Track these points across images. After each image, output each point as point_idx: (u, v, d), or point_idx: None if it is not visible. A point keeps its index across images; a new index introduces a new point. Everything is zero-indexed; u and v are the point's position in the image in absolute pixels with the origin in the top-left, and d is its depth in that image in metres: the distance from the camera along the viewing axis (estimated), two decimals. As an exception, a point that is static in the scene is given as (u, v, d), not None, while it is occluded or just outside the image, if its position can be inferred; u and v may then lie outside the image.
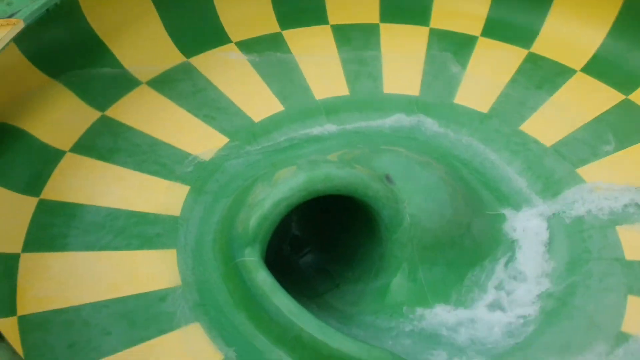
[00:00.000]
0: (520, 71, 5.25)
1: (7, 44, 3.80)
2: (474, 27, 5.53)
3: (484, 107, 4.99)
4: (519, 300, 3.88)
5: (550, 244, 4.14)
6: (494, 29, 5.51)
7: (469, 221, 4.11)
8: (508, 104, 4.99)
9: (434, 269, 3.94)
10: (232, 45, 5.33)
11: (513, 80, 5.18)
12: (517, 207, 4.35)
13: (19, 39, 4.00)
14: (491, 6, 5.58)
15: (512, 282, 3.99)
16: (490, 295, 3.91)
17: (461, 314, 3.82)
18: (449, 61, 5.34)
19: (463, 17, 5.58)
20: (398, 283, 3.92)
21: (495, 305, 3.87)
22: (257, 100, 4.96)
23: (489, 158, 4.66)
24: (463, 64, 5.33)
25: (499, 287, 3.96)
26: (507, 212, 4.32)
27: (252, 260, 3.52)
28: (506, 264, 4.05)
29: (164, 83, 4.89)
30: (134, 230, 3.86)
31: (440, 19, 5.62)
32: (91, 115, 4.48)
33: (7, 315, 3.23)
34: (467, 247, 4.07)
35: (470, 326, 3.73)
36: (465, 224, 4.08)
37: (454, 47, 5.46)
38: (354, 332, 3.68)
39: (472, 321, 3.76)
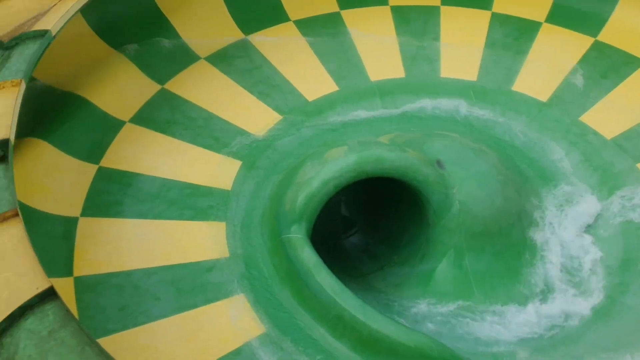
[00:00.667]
0: (584, 59, 5.07)
1: (74, 15, 3.93)
2: (539, 13, 5.35)
3: (543, 95, 4.86)
4: (567, 296, 3.80)
5: (603, 241, 4.02)
6: (560, 15, 5.32)
7: (519, 211, 4.04)
8: (569, 93, 4.83)
9: (480, 258, 3.91)
10: (290, 24, 5.34)
11: (576, 69, 5.01)
12: (572, 200, 4.24)
13: (86, 11, 4.13)
14: (559, -9, 5.39)
15: (561, 276, 3.91)
16: (538, 289, 3.85)
17: (506, 305, 3.78)
18: (510, 47, 5.21)
19: (527, 2, 5.40)
20: (443, 269, 3.90)
21: (541, 300, 3.80)
22: (311, 79, 4.98)
23: (545, 148, 4.55)
24: (524, 50, 5.18)
25: (546, 281, 3.88)
26: (561, 204, 4.23)
27: (298, 237, 3.57)
28: (555, 258, 3.96)
29: (222, 59, 4.97)
30: (186, 202, 3.97)
31: (503, 3, 5.46)
32: (151, 87, 4.61)
33: (64, 276, 3.37)
34: (515, 238, 4.00)
35: (513, 318, 3.69)
36: (515, 214, 4.00)
37: (515, 32, 5.31)
38: (396, 315, 3.69)
39: (516, 313, 3.71)
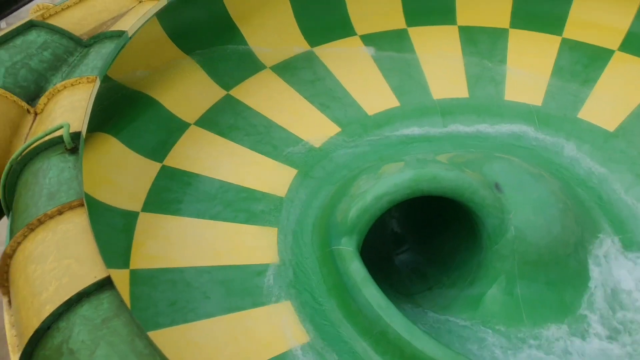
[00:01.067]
0: (658, 91, 4.88)
1: (150, 18, 4.10)
2: (612, 40, 5.18)
3: (610, 125, 4.70)
4: (619, 338, 3.65)
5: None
6: (634, 43, 5.14)
7: (577, 242, 3.91)
8: (638, 125, 4.65)
9: (532, 286, 3.80)
10: (356, 38, 5.39)
11: (648, 100, 4.83)
12: (633, 235, 4.08)
13: (161, 15, 4.30)
14: (635, 19, 5.19)
15: (616, 316, 3.76)
16: (590, 325, 3.71)
17: (557, 338, 3.66)
18: (578, 73, 5.08)
19: (600, 29, 5.24)
20: (493, 295, 3.82)
21: (594, 336, 3.66)
22: (373, 93, 5.00)
23: (608, 179, 4.39)
24: (593, 77, 5.03)
25: (601, 319, 3.74)
26: (621, 239, 4.07)
27: (348, 249, 3.58)
28: (612, 293, 3.81)
29: (286, 69, 5.06)
30: (241, 205, 4.05)
31: (575, 29, 5.33)
32: (217, 92, 4.74)
33: (121, 267, 3.49)
34: (571, 270, 3.87)
35: (561, 352, 3.57)
36: (572, 244, 3.88)
37: (586, 59, 5.17)
38: (441, 337, 3.64)
39: (564, 346, 3.59)
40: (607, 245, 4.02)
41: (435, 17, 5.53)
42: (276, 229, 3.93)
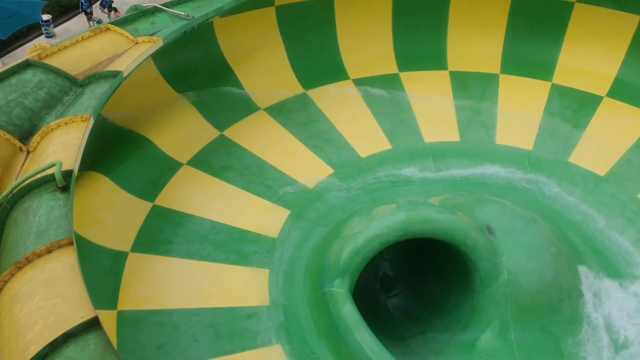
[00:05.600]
0: (646, 137, 4.96)
1: (145, 59, 4.14)
2: (600, 87, 5.30)
3: (601, 169, 4.75)
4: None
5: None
6: (623, 90, 5.25)
7: (570, 287, 3.89)
8: (628, 170, 4.71)
9: (527, 332, 3.76)
10: (349, 82, 5.47)
11: (637, 146, 4.89)
12: (626, 279, 4.06)
13: (157, 56, 4.35)
14: (622, 66, 5.33)
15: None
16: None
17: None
18: (569, 118, 5.16)
19: (589, 76, 5.37)
20: (487, 339, 3.77)
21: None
22: (366, 136, 5.04)
23: (600, 224, 4.41)
24: (583, 123, 5.12)
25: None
26: (615, 284, 4.06)
27: (340, 292, 3.54)
28: (608, 341, 3.77)
29: (280, 111, 5.11)
30: (233, 246, 4.01)
31: (564, 75, 5.45)
32: (211, 133, 4.77)
33: (108, 308, 3.43)
34: (565, 315, 3.83)
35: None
36: (566, 290, 3.86)
37: (575, 104, 5.27)
38: (434, 382, 3.58)
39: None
40: (600, 290, 4.00)
41: (426, 63, 5.64)
42: (268, 270, 3.90)
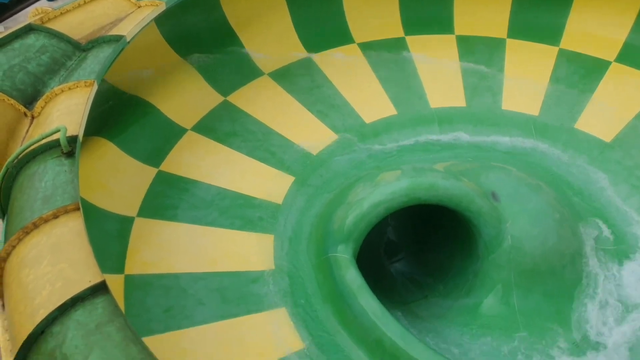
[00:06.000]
0: (654, 102, 4.90)
1: (148, 23, 4.10)
2: (609, 52, 5.21)
3: (607, 135, 4.71)
4: (616, 346, 3.63)
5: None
6: (632, 55, 5.16)
7: (573, 253, 3.91)
8: (634, 136, 4.66)
9: (529, 297, 3.80)
10: (354, 46, 5.40)
11: (644, 111, 4.85)
12: (631, 246, 4.08)
13: (160, 20, 4.29)
14: (632, 31, 5.22)
15: (616, 326, 3.74)
16: (589, 337, 3.69)
17: (553, 349, 3.64)
18: (575, 84, 5.10)
19: (598, 40, 5.27)
20: (489, 304, 3.81)
21: (593, 348, 3.65)
22: (371, 101, 5.00)
23: (605, 190, 4.40)
24: (590, 88, 5.05)
25: (599, 329, 3.72)
26: (619, 250, 4.07)
27: (344, 257, 3.57)
28: (609, 304, 3.80)
29: (285, 76, 5.06)
30: (238, 212, 4.03)
31: (572, 40, 5.35)
32: (215, 98, 4.74)
33: (115, 272, 3.47)
34: (568, 280, 3.86)
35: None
36: (568, 255, 3.88)
37: (582, 70, 5.19)
38: (437, 345, 3.63)
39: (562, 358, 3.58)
40: (603, 256, 4.02)
41: (433, 27, 5.55)
42: (272, 236, 3.92)
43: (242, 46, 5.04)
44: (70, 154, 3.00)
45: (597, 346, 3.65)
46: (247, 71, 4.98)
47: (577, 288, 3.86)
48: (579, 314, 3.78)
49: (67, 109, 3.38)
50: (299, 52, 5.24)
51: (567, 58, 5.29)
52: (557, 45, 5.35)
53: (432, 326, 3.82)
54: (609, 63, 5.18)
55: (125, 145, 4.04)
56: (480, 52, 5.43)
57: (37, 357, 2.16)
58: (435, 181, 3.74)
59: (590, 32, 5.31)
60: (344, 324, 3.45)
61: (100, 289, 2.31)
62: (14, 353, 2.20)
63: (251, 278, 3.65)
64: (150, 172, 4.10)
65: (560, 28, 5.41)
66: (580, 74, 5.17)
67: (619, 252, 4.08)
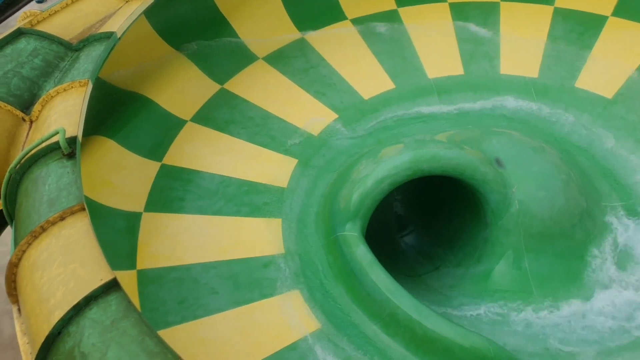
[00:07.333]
0: (655, 55, 4.84)
1: (138, 17, 4.07)
2: (605, 6, 5.12)
3: (608, 92, 4.67)
4: (629, 301, 3.64)
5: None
6: (629, 7, 5.06)
7: (582, 212, 3.90)
8: (637, 90, 4.62)
9: (540, 259, 3.80)
10: (347, 22, 5.35)
11: (645, 64, 4.78)
12: (637, 201, 4.07)
13: (149, 13, 4.27)
14: (627, -18, 5.14)
15: (627, 279, 3.75)
16: (601, 292, 3.71)
17: (567, 309, 3.66)
18: (573, 42, 5.03)
19: (592, -5, 5.20)
20: (501, 270, 3.82)
21: (605, 303, 3.66)
22: (368, 77, 4.97)
23: (610, 147, 4.37)
24: (588, 45, 4.98)
25: (610, 284, 3.73)
26: (625, 205, 4.06)
27: (352, 235, 3.58)
28: (620, 263, 3.80)
29: (279, 59, 5.03)
30: (243, 198, 4.04)
31: (566, -3, 5.28)
32: (211, 87, 4.72)
33: (127, 268, 3.50)
34: (577, 240, 3.86)
35: (574, 320, 3.57)
36: (577, 214, 3.87)
37: (579, 27, 5.11)
38: (451, 314, 3.65)
39: (577, 314, 3.59)
40: (612, 213, 4.01)
41: None
42: (280, 219, 3.93)
43: (234, 32, 5.00)
44: (71, 155, 3.01)
45: (609, 301, 3.66)
46: (241, 57, 4.95)
47: (588, 246, 3.86)
48: (590, 272, 3.79)
49: (64, 111, 3.38)
50: (291, 33, 5.20)
51: (563, 16, 5.22)
52: (552, 4, 5.28)
53: (445, 296, 3.84)
54: (605, 18, 5.10)
55: (126, 141, 4.05)
56: (474, 17, 5.36)
57: (57, 357, 2.19)
58: (438, 152, 3.73)
59: (584, -13, 5.24)
60: (357, 301, 3.47)
61: (113, 286, 2.33)
62: (34, 355, 2.24)
63: (262, 263, 3.67)
64: (153, 166, 4.11)
65: None
66: (578, 31, 5.10)
67: (628, 207, 4.07)
